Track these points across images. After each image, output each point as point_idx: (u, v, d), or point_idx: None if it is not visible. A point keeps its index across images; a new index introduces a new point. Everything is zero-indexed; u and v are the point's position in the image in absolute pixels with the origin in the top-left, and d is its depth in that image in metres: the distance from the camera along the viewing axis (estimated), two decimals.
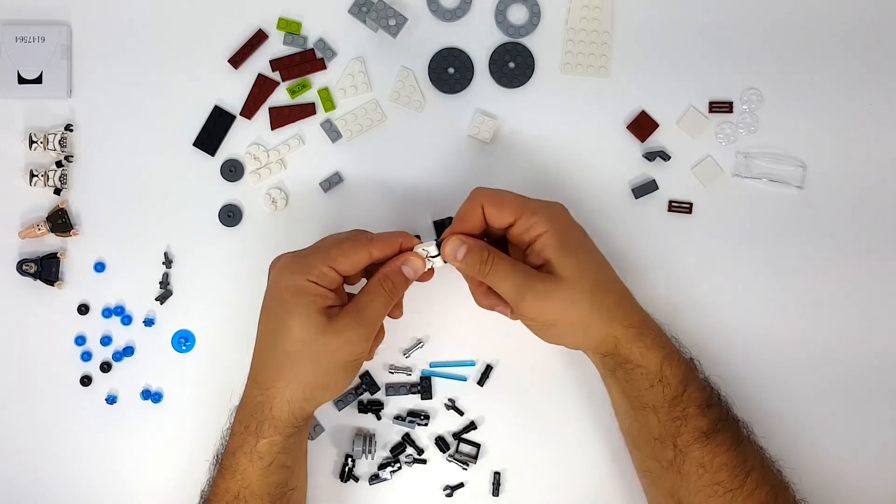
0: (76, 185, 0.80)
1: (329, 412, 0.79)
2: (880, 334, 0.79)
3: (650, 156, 0.80)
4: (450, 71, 0.81)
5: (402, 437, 0.80)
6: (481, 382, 0.80)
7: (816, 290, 0.79)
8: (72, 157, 0.80)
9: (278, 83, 0.80)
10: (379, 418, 0.80)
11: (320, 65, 0.80)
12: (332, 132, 0.81)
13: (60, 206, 0.79)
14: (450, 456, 0.79)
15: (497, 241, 0.71)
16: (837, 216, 0.80)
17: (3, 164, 0.80)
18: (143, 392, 0.80)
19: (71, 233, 0.79)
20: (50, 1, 0.80)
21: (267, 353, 0.69)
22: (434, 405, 0.80)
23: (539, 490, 0.79)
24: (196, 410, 0.79)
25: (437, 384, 0.80)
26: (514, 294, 0.67)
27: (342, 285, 0.71)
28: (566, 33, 0.81)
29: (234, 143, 0.81)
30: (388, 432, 0.80)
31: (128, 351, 0.80)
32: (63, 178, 0.79)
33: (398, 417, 0.79)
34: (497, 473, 0.79)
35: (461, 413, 0.80)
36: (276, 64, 0.80)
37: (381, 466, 0.79)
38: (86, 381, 0.80)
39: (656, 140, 0.80)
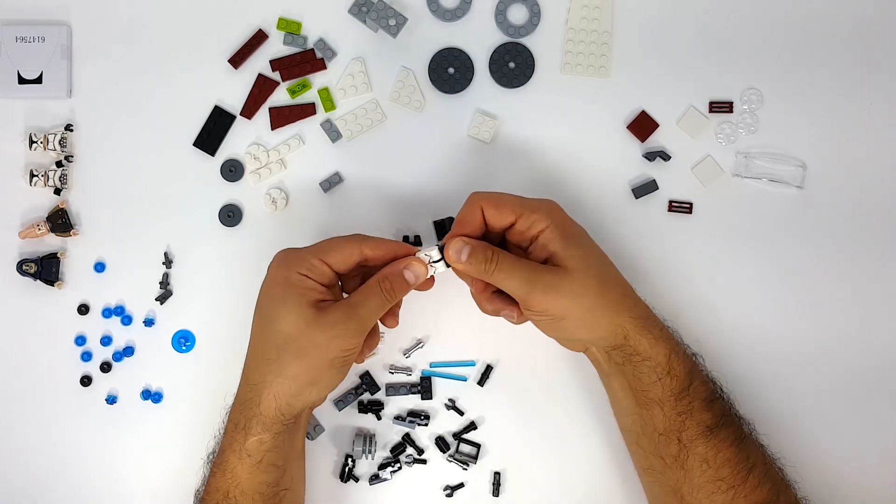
0: (76, 185, 0.80)
1: (329, 412, 0.79)
2: (880, 334, 0.79)
3: (650, 156, 0.80)
4: (450, 71, 0.81)
5: (403, 437, 0.80)
6: (481, 382, 0.80)
7: (816, 290, 0.79)
8: (72, 157, 0.80)
9: (278, 83, 0.80)
10: (379, 418, 0.80)
11: (320, 65, 0.80)
12: (332, 132, 0.81)
13: (60, 206, 0.79)
14: (450, 456, 0.79)
15: (495, 244, 0.71)
16: (837, 216, 0.80)
17: (3, 164, 0.80)
18: (143, 392, 0.80)
19: (71, 233, 0.79)
20: (50, 1, 0.80)
21: (257, 348, 0.69)
22: (434, 405, 0.80)
23: (539, 490, 0.79)
24: (196, 410, 0.79)
25: (437, 384, 0.80)
26: (523, 289, 0.67)
27: (337, 283, 0.70)
28: (566, 33, 0.81)
29: (234, 143, 0.81)
30: (388, 432, 0.80)
31: (128, 351, 0.80)
32: (63, 178, 0.79)
33: (398, 417, 0.79)
34: (497, 473, 0.79)
35: (461, 413, 0.80)
36: (276, 64, 0.80)
37: (381, 466, 0.79)
38: (86, 381, 0.79)
39: (656, 140, 0.80)
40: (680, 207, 0.80)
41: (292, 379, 0.67)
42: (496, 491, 0.79)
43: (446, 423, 0.80)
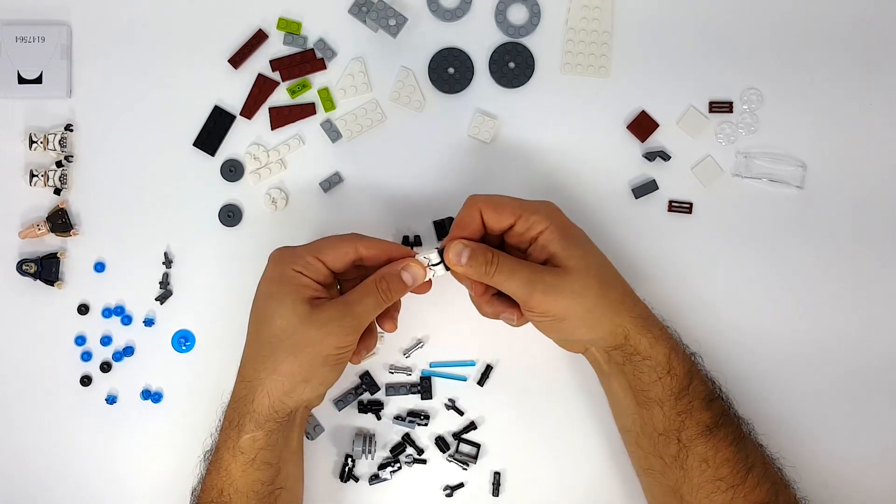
0: (76, 185, 0.80)
1: (329, 412, 0.80)
2: (880, 334, 0.79)
3: (650, 156, 0.80)
4: (450, 71, 0.81)
5: (402, 437, 0.80)
6: (481, 382, 0.80)
7: (816, 290, 0.79)
8: (72, 157, 0.80)
9: (278, 83, 0.80)
10: (379, 418, 0.80)
11: (320, 65, 0.80)
12: (332, 132, 0.81)
13: (60, 206, 0.79)
14: (450, 456, 0.79)
15: (494, 247, 0.71)
16: (837, 216, 0.80)
17: (3, 164, 0.80)
18: (143, 392, 0.80)
19: (71, 233, 0.79)
20: (50, 1, 0.80)
21: (252, 344, 0.69)
22: (434, 405, 0.80)
23: (539, 490, 0.79)
24: (196, 410, 0.79)
25: (437, 384, 0.80)
26: (524, 290, 0.67)
27: (334, 283, 0.71)
28: (566, 33, 0.81)
29: (234, 143, 0.81)
30: (388, 432, 0.80)
31: (128, 351, 0.80)
32: (63, 178, 0.79)
33: (398, 417, 0.79)
34: (497, 473, 0.79)
35: (461, 413, 0.80)
36: (276, 64, 0.80)
37: (381, 466, 0.79)
38: (86, 381, 0.80)
39: (656, 140, 0.80)
40: (680, 207, 0.80)
41: (285, 376, 0.67)
42: (496, 491, 0.79)
43: (446, 423, 0.80)
